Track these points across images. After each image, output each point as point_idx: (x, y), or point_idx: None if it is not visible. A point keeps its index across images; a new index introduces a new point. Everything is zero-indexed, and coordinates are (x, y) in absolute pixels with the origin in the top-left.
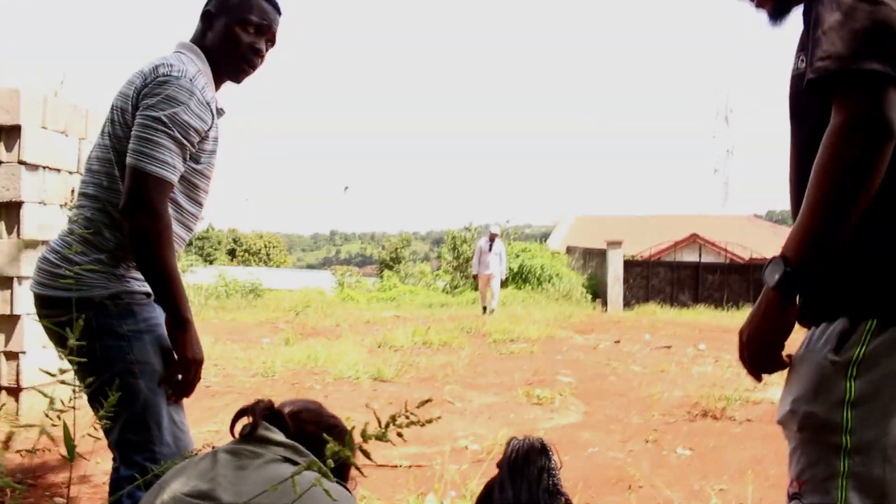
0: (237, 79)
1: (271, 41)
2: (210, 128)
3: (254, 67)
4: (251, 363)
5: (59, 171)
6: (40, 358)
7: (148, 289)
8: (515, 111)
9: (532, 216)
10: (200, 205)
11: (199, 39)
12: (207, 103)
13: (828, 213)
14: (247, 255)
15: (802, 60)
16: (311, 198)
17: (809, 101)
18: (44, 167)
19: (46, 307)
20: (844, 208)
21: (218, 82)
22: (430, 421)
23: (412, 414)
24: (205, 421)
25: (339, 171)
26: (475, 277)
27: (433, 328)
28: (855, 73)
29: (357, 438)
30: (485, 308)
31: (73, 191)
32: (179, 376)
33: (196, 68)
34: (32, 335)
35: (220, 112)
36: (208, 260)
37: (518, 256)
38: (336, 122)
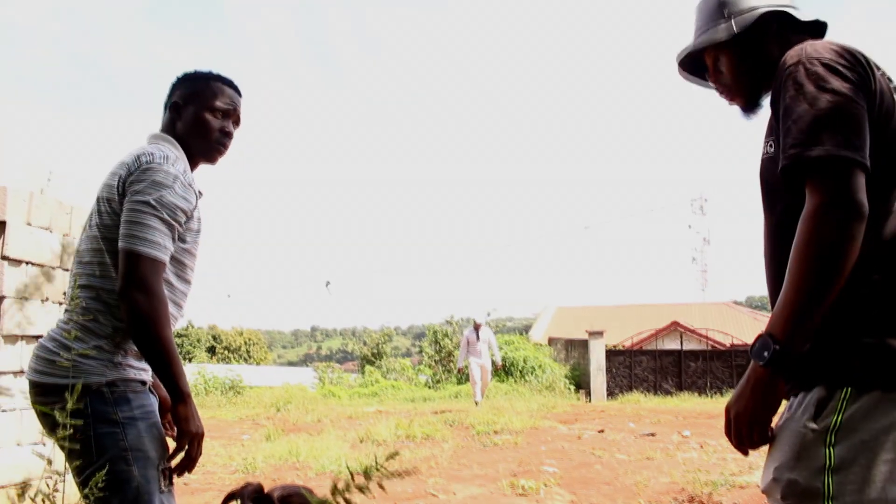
0: (211, 161)
1: (237, 122)
2: (194, 207)
3: (226, 148)
4: (231, 460)
5: (42, 266)
6: (15, 456)
7: (143, 377)
8: (492, 205)
9: (513, 309)
10: (189, 282)
11: (170, 129)
12: (190, 185)
13: (810, 292)
14: (227, 352)
15: (771, 145)
16: (292, 294)
17: (780, 184)
18: (27, 262)
19: (42, 394)
20: (825, 286)
21: (193, 166)
22: (402, 475)
23: (384, 469)
24: None
25: (320, 266)
26: (460, 371)
27: (416, 421)
28: (824, 159)
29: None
30: (477, 402)
31: (70, 283)
32: (181, 453)
33: (174, 154)
34: (8, 432)
35: (199, 194)
36: (188, 357)
37: (502, 349)
38: (315, 217)
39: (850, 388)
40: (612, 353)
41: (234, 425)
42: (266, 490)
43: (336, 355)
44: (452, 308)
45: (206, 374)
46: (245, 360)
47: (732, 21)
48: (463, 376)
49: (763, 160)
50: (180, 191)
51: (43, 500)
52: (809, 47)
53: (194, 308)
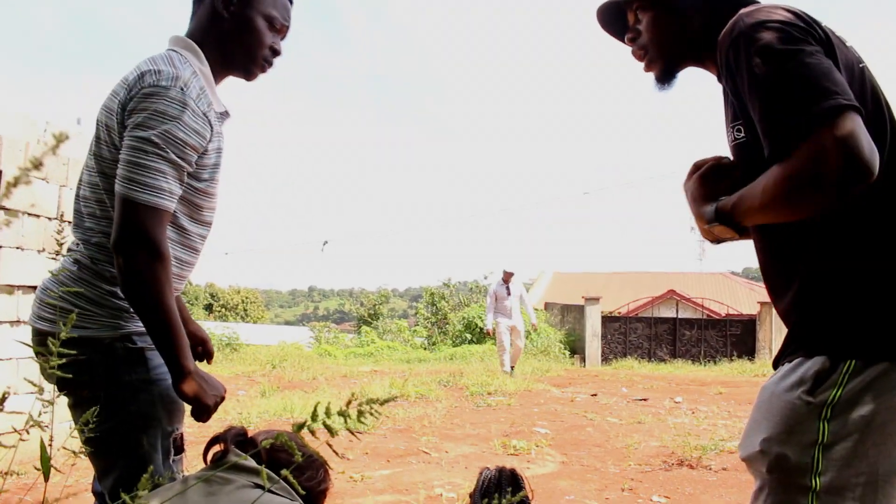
0: (251, 76)
1: (284, 38)
2: (210, 140)
3: (271, 67)
4: (226, 414)
5: (38, 217)
6: (11, 404)
7: None
8: (492, 169)
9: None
10: (207, 224)
11: (206, 27)
12: (204, 114)
13: (773, 212)
14: (224, 310)
15: (740, 130)
16: (289, 251)
17: (758, 171)
18: (23, 213)
19: (46, 344)
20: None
21: (221, 77)
22: (388, 400)
23: (373, 405)
24: None
25: (318, 227)
26: (490, 333)
27: (410, 381)
28: (821, 113)
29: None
30: (511, 367)
31: (61, 232)
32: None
33: (190, 70)
34: (3, 381)
35: (223, 116)
36: None
37: None
38: (314, 178)
39: (854, 362)
40: (607, 320)
41: (230, 381)
42: (250, 434)
43: (333, 315)
44: (450, 271)
45: None
46: (242, 318)
47: None
48: (492, 339)
49: (732, 147)
50: (191, 122)
51: (27, 429)
52: (747, 16)
53: None
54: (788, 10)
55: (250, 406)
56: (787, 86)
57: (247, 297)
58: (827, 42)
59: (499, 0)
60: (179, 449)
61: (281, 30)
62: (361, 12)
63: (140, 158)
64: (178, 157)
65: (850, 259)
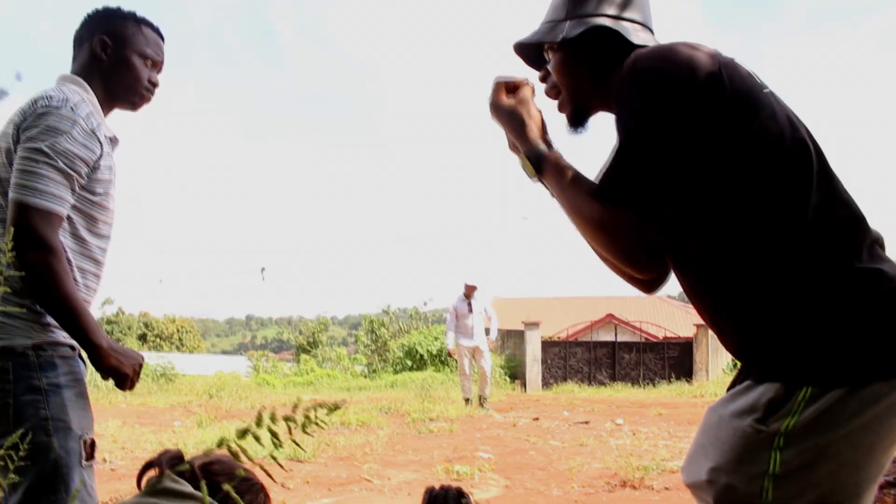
0: (134, 108)
1: (160, 72)
2: (100, 157)
3: (152, 97)
4: (162, 446)
5: None
6: None
7: (73, 341)
8: (430, 194)
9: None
10: (106, 237)
11: (91, 67)
12: (93, 131)
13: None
14: (158, 340)
15: None
16: (226, 277)
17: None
18: None
19: None
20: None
21: (108, 110)
22: (336, 407)
23: (320, 408)
24: None
25: (255, 254)
26: (451, 354)
27: (351, 408)
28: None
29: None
30: (467, 399)
31: None
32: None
33: (79, 96)
34: None
35: (113, 141)
36: None
37: (437, 339)
38: (250, 204)
39: (810, 389)
40: (547, 344)
41: (166, 412)
42: (187, 458)
43: (271, 344)
44: (389, 298)
45: None
46: (177, 348)
47: (567, 23)
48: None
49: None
50: (80, 137)
51: None
52: (640, 59)
53: (125, 294)
54: (677, 56)
55: (187, 436)
56: (626, 150)
57: (182, 327)
58: (710, 87)
59: (436, 20)
60: (90, 455)
61: (156, 65)
62: (297, 30)
63: (30, 167)
64: (68, 167)
65: (795, 280)
